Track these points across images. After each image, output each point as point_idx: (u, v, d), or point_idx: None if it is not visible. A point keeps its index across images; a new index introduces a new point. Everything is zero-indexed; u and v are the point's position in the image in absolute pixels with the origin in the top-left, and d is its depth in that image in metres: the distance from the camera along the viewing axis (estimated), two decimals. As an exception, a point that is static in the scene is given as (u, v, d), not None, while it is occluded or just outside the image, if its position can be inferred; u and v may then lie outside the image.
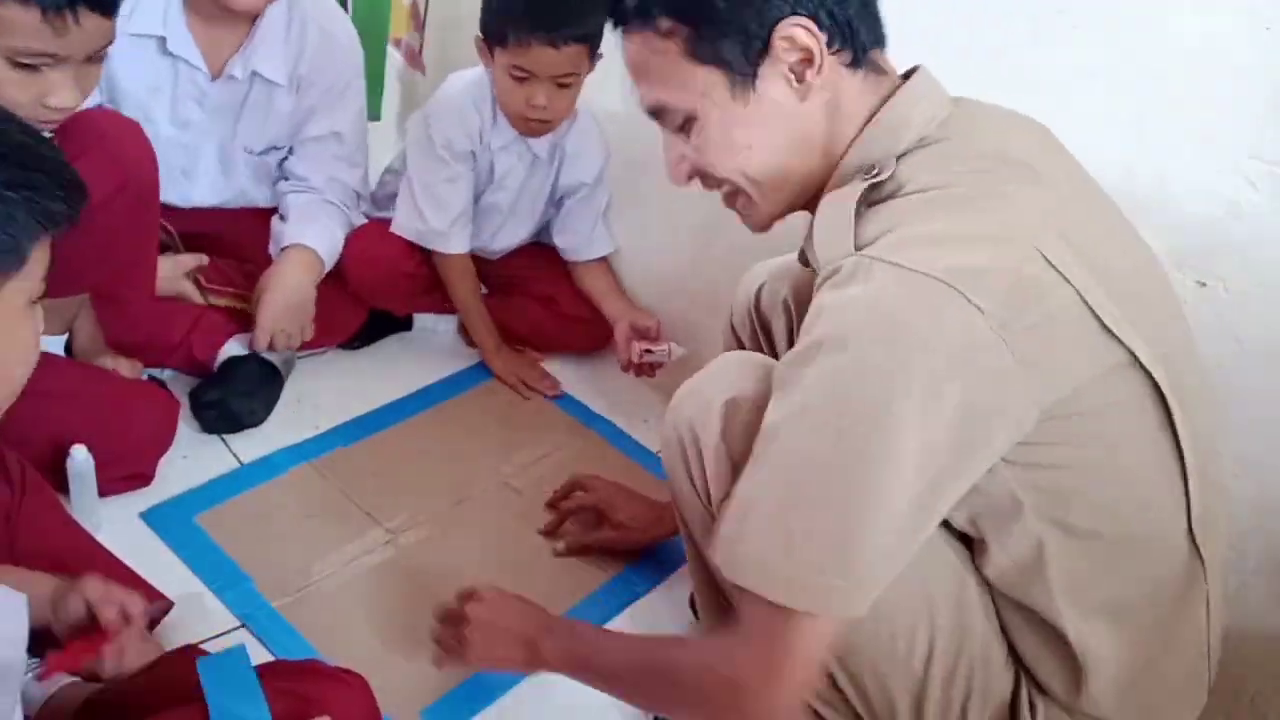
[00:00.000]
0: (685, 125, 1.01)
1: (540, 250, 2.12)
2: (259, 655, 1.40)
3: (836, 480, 0.87)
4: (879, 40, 1.01)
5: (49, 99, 1.19)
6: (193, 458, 1.70)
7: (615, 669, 1.12)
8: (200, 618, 1.41)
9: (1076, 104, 1.36)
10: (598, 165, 1.99)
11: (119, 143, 1.44)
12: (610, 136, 1.99)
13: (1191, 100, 1.27)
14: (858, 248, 0.89)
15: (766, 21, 0.93)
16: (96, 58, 1.24)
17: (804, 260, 1.09)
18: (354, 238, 1.93)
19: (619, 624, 1.57)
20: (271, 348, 1.79)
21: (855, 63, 0.97)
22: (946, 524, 0.97)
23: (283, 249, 1.81)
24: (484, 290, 2.16)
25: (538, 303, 2.08)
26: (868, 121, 0.98)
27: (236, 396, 1.76)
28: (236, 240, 1.91)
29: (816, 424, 0.87)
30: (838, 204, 0.93)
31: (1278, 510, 1.32)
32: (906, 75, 1.03)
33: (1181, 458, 0.95)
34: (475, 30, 1.78)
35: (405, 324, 2.13)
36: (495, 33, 1.72)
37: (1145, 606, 0.98)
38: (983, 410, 0.85)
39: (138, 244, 1.56)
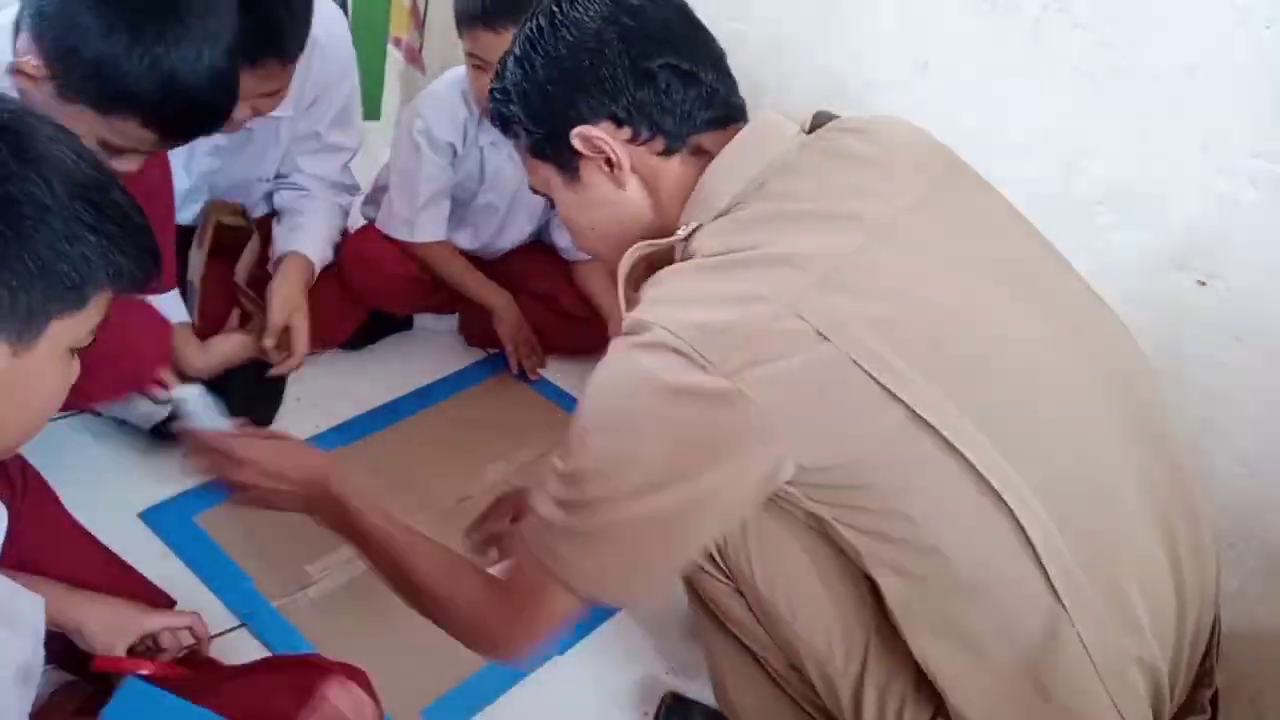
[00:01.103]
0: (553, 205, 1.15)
1: (541, 249, 2.12)
2: (259, 654, 1.41)
3: (597, 513, 0.95)
4: (711, 122, 1.05)
5: (113, 162, 1.23)
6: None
7: (376, 560, 1.18)
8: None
9: (1077, 104, 1.36)
10: None
11: None
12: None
13: (1192, 99, 1.27)
14: (628, 309, 0.98)
15: (564, 127, 1.03)
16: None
17: None
18: (352, 240, 1.93)
19: (615, 623, 1.57)
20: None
21: (667, 151, 1.04)
22: None
23: (283, 258, 1.80)
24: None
25: (538, 302, 2.08)
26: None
27: (235, 400, 1.75)
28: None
29: (575, 455, 0.96)
30: (620, 269, 1.03)
31: (1276, 509, 1.32)
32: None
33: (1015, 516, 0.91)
34: (474, 30, 1.79)
35: (405, 323, 2.14)
36: (457, 24, 1.75)
37: (1001, 648, 0.95)
38: (719, 458, 0.90)
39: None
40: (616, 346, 0.95)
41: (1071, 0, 1.34)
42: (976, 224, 1.04)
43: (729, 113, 1.06)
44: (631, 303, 0.99)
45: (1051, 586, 0.92)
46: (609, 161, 1.04)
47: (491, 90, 1.10)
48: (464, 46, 1.74)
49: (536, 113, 1.05)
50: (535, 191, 1.14)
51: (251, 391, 1.79)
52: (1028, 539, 0.91)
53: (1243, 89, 1.23)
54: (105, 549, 1.31)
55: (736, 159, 1.02)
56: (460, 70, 1.88)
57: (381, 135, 2.31)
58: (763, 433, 0.89)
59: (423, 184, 1.89)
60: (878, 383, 0.88)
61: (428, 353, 2.05)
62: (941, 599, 0.95)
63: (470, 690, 1.41)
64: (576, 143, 1.03)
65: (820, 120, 1.07)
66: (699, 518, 0.95)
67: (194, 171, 1.75)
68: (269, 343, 1.73)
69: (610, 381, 0.95)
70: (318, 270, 1.84)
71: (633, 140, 1.03)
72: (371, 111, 2.29)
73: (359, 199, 2.04)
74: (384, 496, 1.21)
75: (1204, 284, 1.32)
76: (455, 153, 1.90)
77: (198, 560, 1.52)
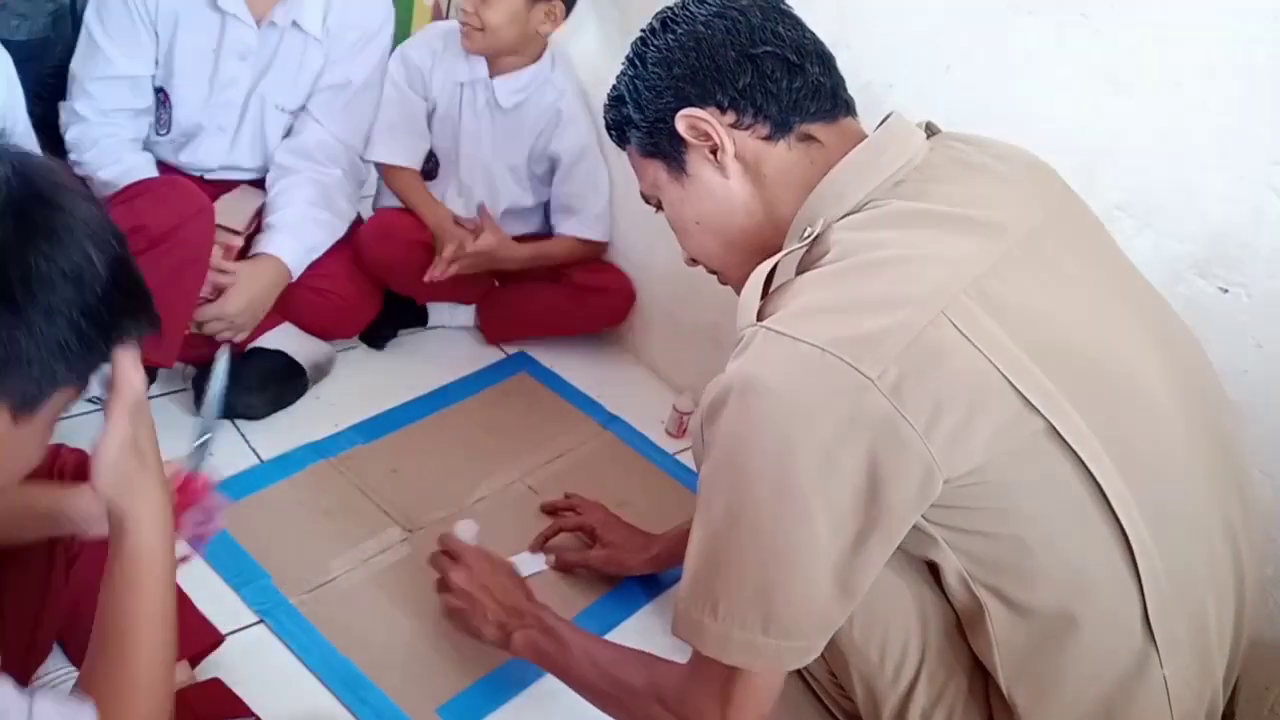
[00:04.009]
0: (661, 209, 1.15)
1: (548, 236, 2.12)
2: (277, 651, 1.42)
3: (751, 544, 0.91)
4: (820, 113, 1.05)
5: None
6: (215, 454, 1.71)
7: (578, 676, 1.21)
8: (218, 614, 1.42)
9: (1099, 109, 1.36)
10: (575, 142, 2.01)
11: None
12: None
13: (1213, 105, 1.27)
14: (763, 318, 0.93)
15: (667, 114, 1.05)
16: None
17: None
18: (371, 220, 1.94)
19: (629, 623, 1.58)
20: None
21: (773, 136, 1.04)
22: None
23: (253, 258, 1.80)
24: (495, 283, 2.17)
25: (549, 283, 2.09)
26: (813, 188, 1.02)
27: (240, 390, 1.75)
28: None
29: (727, 493, 0.92)
30: (756, 274, 0.99)
31: (1298, 518, 1.31)
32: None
33: (1127, 538, 0.91)
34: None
35: (420, 317, 2.15)
36: None
37: (1085, 686, 0.95)
38: (883, 475, 0.86)
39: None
40: (755, 368, 0.90)
41: (1094, 5, 1.34)
42: (1092, 247, 1.04)
43: (838, 106, 1.07)
44: (741, 315, 0.97)
45: (1147, 621, 0.92)
46: (714, 150, 1.05)
47: (606, 105, 1.14)
48: None
49: (645, 105, 1.07)
50: (646, 200, 1.16)
51: (257, 384, 1.80)
52: (1136, 569, 0.91)
53: (1264, 95, 1.22)
54: None
55: (872, 156, 1.01)
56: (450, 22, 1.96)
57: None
58: (925, 458, 0.86)
59: (385, 106, 1.95)
60: (1020, 394, 0.87)
61: (446, 352, 2.06)
62: (1041, 630, 0.94)
63: (485, 689, 1.42)
64: (681, 127, 1.04)
65: (929, 129, 1.08)
66: (879, 551, 0.91)
67: (219, 77, 1.75)
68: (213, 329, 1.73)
69: (758, 414, 0.89)
70: (297, 268, 1.83)
71: (737, 125, 1.04)
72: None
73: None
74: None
75: (1225, 291, 1.31)
76: (424, 80, 1.95)
77: (217, 556, 1.53)
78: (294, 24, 1.75)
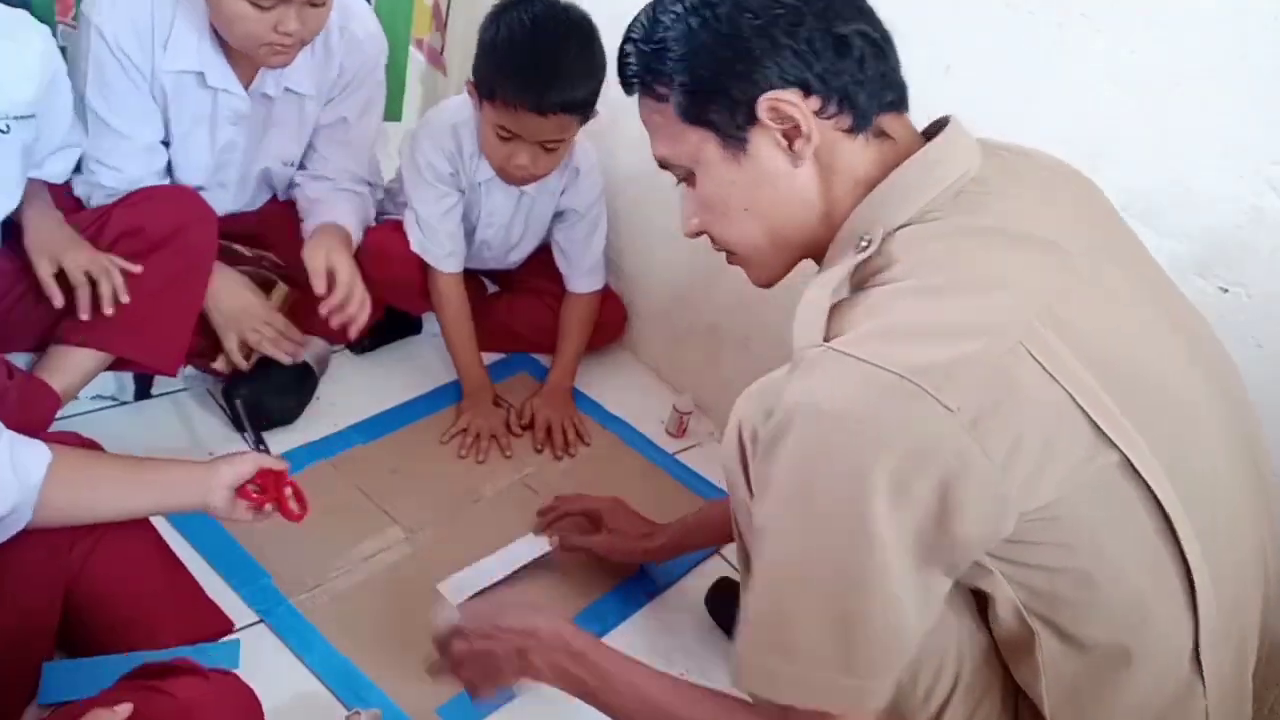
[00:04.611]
0: (690, 180, 1.02)
1: (544, 248, 2.11)
2: (276, 650, 1.42)
3: (824, 580, 0.86)
4: (892, 104, 0.97)
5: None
6: (217, 454, 1.72)
7: (620, 709, 1.08)
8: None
9: (1099, 108, 1.36)
10: (588, 197, 1.97)
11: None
12: (625, 142, 1.99)
13: (1213, 105, 1.27)
14: (828, 338, 0.86)
15: (751, 90, 0.93)
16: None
17: None
18: (370, 235, 1.94)
19: (635, 623, 1.58)
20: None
21: (854, 129, 0.95)
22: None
23: (317, 226, 1.79)
24: (494, 288, 2.17)
25: (546, 299, 2.08)
26: (872, 188, 0.95)
27: (270, 394, 1.78)
28: (264, 232, 1.91)
29: (793, 527, 0.86)
30: (819, 288, 0.91)
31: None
32: (930, 132, 1.00)
33: (1188, 570, 0.88)
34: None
35: (415, 327, 2.14)
36: (485, 86, 1.69)
37: (1129, 716, 0.93)
38: (954, 508, 0.82)
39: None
40: (825, 393, 0.83)
41: (1094, 5, 1.34)
42: (1137, 265, 1.00)
43: (903, 97, 0.99)
44: (802, 333, 0.89)
45: (1196, 653, 0.90)
46: (787, 134, 0.95)
47: (631, 42, 1.00)
48: (490, 113, 1.69)
49: (710, 71, 0.94)
50: (664, 166, 1.03)
51: (284, 386, 1.80)
52: (1194, 604, 0.89)
53: (1264, 94, 1.22)
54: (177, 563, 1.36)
55: (936, 162, 0.94)
56: (455, 103, 1.87)
57: (404, 135, 2.31)
58: (1001, 495, 0.82)
59: (446, 224, 1.88)
60: (1096, 426, 0.83)
61: (446, 352, 2.05)
62: (1094, 662, 0.90)
63: (486, 689, 1.42)
64: (763, 108, 0.93)
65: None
66: (942, 584, 0.87)
67: (217, 143, 1.75)
68: (319, 286, 1.69)
69: (830, 442, 0.83)
70: (355, 239, 1.82)
71: (820, 112, 0.94)
72: (393, 112, 2.30)
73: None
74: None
75: (1226, 291, 1.31)
76: (458, 178, 1.88)
77: (217, 555, 1.53)
78: (286, 90, 1.74)
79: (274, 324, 1.74)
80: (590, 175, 1.96)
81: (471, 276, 2.04)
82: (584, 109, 1.70)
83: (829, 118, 0.94)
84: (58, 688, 1.16)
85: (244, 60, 1.65)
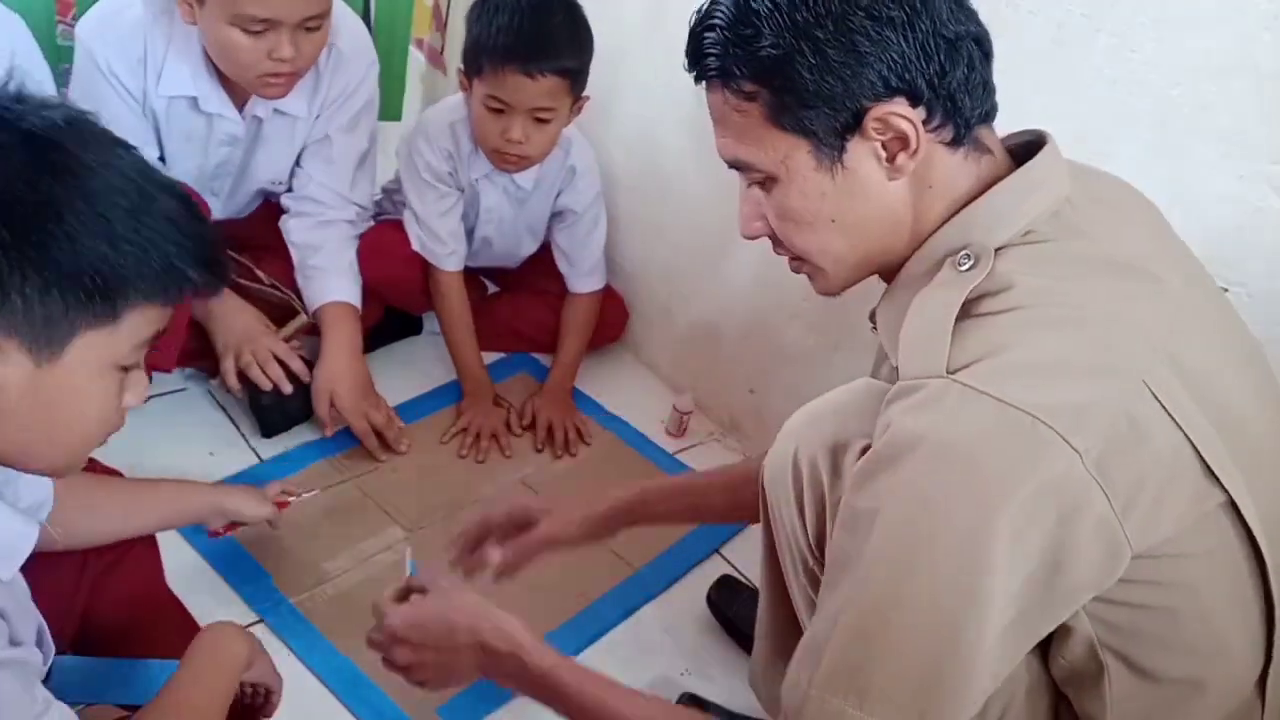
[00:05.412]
0: (765, 184, 0.95)
1: (544, 247, 2.10)
2: (277, 650, 1.42)
3: (916, 629, 0.81)
4: (987, 113, 0.92)
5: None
6: (217, 454, 1.72)
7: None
8: (219, 614, 1.42)
9: (1099, 108, 1.36)
10: (586, 197, 1.97)
11: None
12: (622, 142, 1.99)
13: (1214, 105, 1.26)
14: (951, 368, 0.81)
15: (857, 98, 0.86)
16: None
17: (873, 318, 1.01)
18: (370, 235, 1.94)
19: (635, 623, 1.58)
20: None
21: (955, 141, 0.89)
22: None
23: (317, 310, 1.82)
24: (494, 288, 2.17)
25: (546, 298, 2.08)
26: (965, 203, 0.90)
27: (295, 397, 1.77)
28: (249, 233, 1.91)
29: (895, 565, 0.81)
30: (935, 306, 0.85)
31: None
32: (1018, 153, 0.95)
33: (1269, 605, 0.87)
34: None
35: (415, 327, 2.14)
36: (473, 62, 1.70)
37: None
38: (1071, 556, 0.79)
39: None
40: (950, 429, 0.79)
41: (1094, 5, 1.34)
42: (1209, 292, 0.97)
43: (996, 106, 0.92)
44: (919, 356, 0.84)
45: (1261, 683, 0.90)
46: (888, 145, 0.88)
47: (713, 29, 0.90)
48: (480, 89, 1.71)
49: (813, 74, 0.85)
50: (736, 168, 0.95)
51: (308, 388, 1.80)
52: (1269, 638, 0.88)
53: (1265, 94, 1.22)
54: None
55: (1037, 181, 0.90)
56: (451, 101, 1.87)
57: (401, 136, 2.31)
58: (1119, 539, 0.79)
59: (447, 222, 1.90)
60: (1207, 467, 0.82)
61: (446, 352, 2.05)
62: (1165, 695, 0.88)
63: (485, 689, 1.41)
64: (869, 121, 0.86)
65: None
66: (1032, 638, 0.84)
67: (210, 161, 1.75)
68: (360, 432, 1.77)
69: (954, 481, 0.79)
70: (357, 301, 1.85)
71: (925, 123, 0.87)
72: (392, 112, 2.30)
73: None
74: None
75: (1225, 291, 1.31)
76: (450, 178, 1.88)
77: (217, 556, 1.53)
78: (276, 111, 1.73)
79: (276, 351, 1.75)
80: (587, 175, 1.96)
81: (472, 276, 2.04)
82: (572, 76, 1.71)
83: (933, 129, 0.88)
84: (65, 685, 1.15)
85: (239, 88, 1.66)
